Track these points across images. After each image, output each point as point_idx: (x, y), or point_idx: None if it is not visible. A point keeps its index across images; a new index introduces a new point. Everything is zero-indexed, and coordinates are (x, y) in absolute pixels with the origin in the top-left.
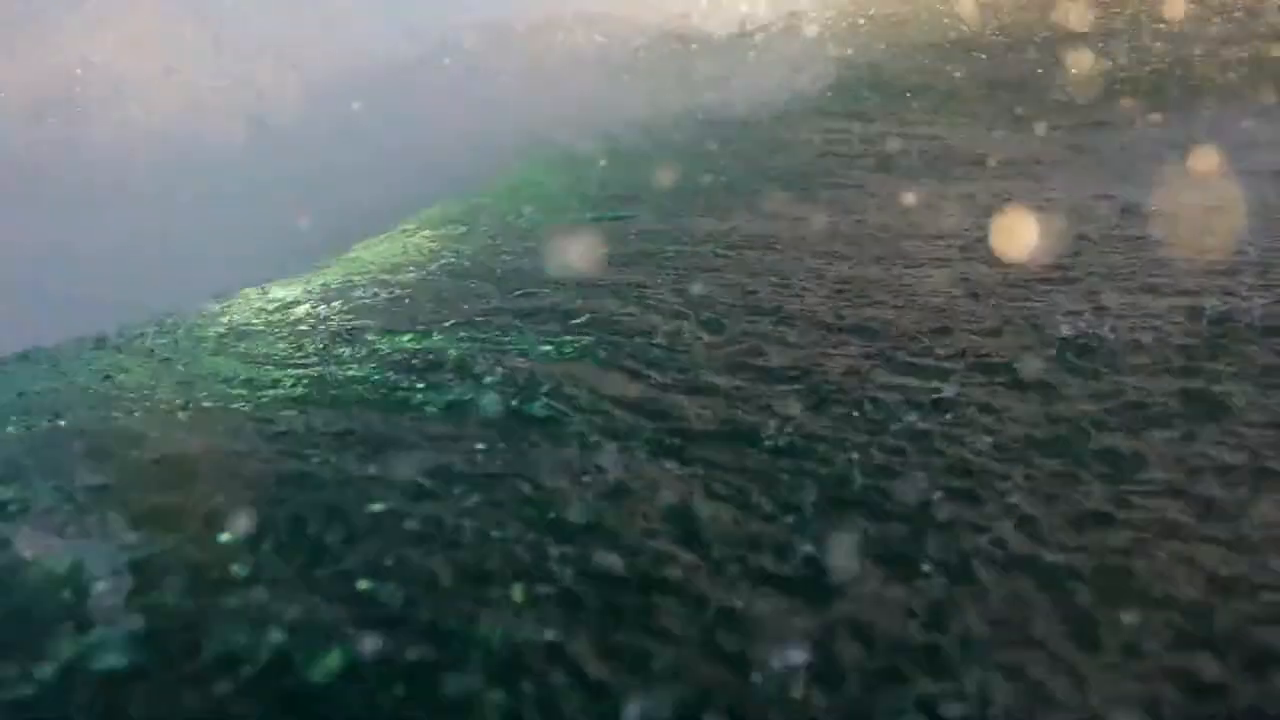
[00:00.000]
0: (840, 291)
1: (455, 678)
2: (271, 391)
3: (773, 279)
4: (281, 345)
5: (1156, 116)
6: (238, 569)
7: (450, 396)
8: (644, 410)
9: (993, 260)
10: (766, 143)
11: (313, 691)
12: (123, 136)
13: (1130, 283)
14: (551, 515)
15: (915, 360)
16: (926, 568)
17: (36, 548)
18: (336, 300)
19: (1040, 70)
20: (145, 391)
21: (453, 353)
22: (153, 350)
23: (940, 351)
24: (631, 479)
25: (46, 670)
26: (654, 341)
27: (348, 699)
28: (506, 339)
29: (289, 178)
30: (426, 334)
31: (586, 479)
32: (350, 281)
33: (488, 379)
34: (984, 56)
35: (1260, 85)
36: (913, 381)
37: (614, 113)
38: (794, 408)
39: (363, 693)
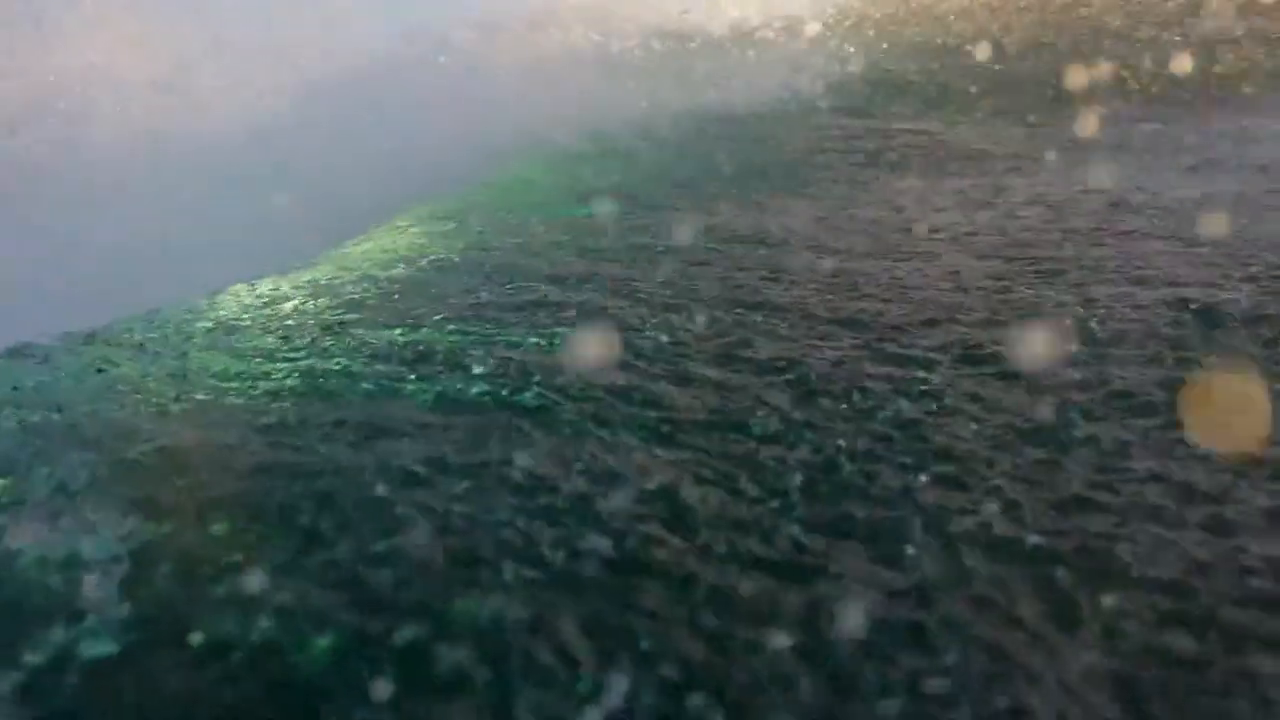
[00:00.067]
0: (830, 284)
1: (444, 659)
2: (262, 384)
3: (763, 272)
4: (271, 339)
5: (1148, 113)
6: (228, 557)
7: (440, 387)
8: (634, 399)
9: (982, 253)
10: (761, 139)
11: (303, 675)
12: (114, 134)
13: (1118, 275)
14: (541, 500)
15: (903, 351)
16: (911, 550)
17: (29, 538)
18: (326, 296)
19: (1036, 69)
20: (136, 384)
21: (442, 345)
22: (143, 344)
23: (928, 343)
24: (621, 465)
25: (38, 657)
26: (644, 333)
27: (337, 682)
28: (497, 331)
29: (281, 176)
30: (416, 327)
31: (576, 465)
32: (340, 277)
33: (478, 370)
34: (982, 55)
35: (1251, 83)
36: (900, 372)
37: (609, 110)
38: (782, 397)
39: (352, 676)
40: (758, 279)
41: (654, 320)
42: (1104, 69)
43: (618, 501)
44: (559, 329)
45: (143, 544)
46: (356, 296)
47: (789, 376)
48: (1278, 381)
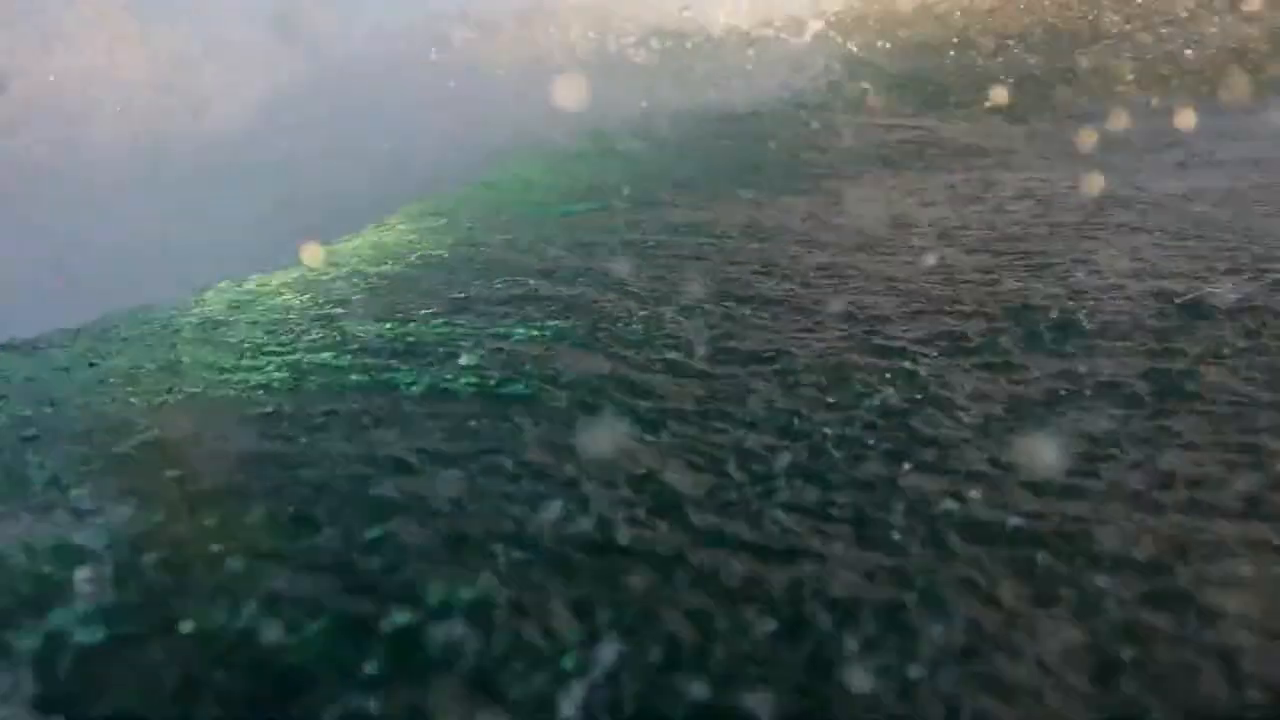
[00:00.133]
0: (819, 278)
1: (434, 640)
2: (252, 377)
3: (753, 267)
4: (260, 334)
5: (1137, 108)
6: (219, 545)
7: (429, 378)
8: (622, 388)
9: (970, 247)
10: (757, 136)
11: (294, 659)
12: (112, 134)
13: (1105, 268)
14: (530, 486)
15: (890, 343)
16: (894, 534)
17: (20, 528)
18: (314, 291)
19: (1033, 67)
20: (126, 378)
21: (431, 338)
22: (132, 339)
23: (915, 334)
24: (609, 451)
25: (29, 642)
26: (633, 326)
27: (329, 665)
28: (486, 325)
29: (273, 175)
30: (405, 321)
31: (565, 452)
32: (328, 273)
33: (467, 362)
34: (976, 53)
35: (1243, 81)
36: (887, 363)
37: (604, 108)
38: (769, 386)
39: (343, 659)
40: (749, 273)
41: (644, 313)
42: (1095, 66)
43: (606, 487)
44: (549, 322)
45: (134, 533)
46: (346, 292)
47: (776, 367)
48: (1259, 371)
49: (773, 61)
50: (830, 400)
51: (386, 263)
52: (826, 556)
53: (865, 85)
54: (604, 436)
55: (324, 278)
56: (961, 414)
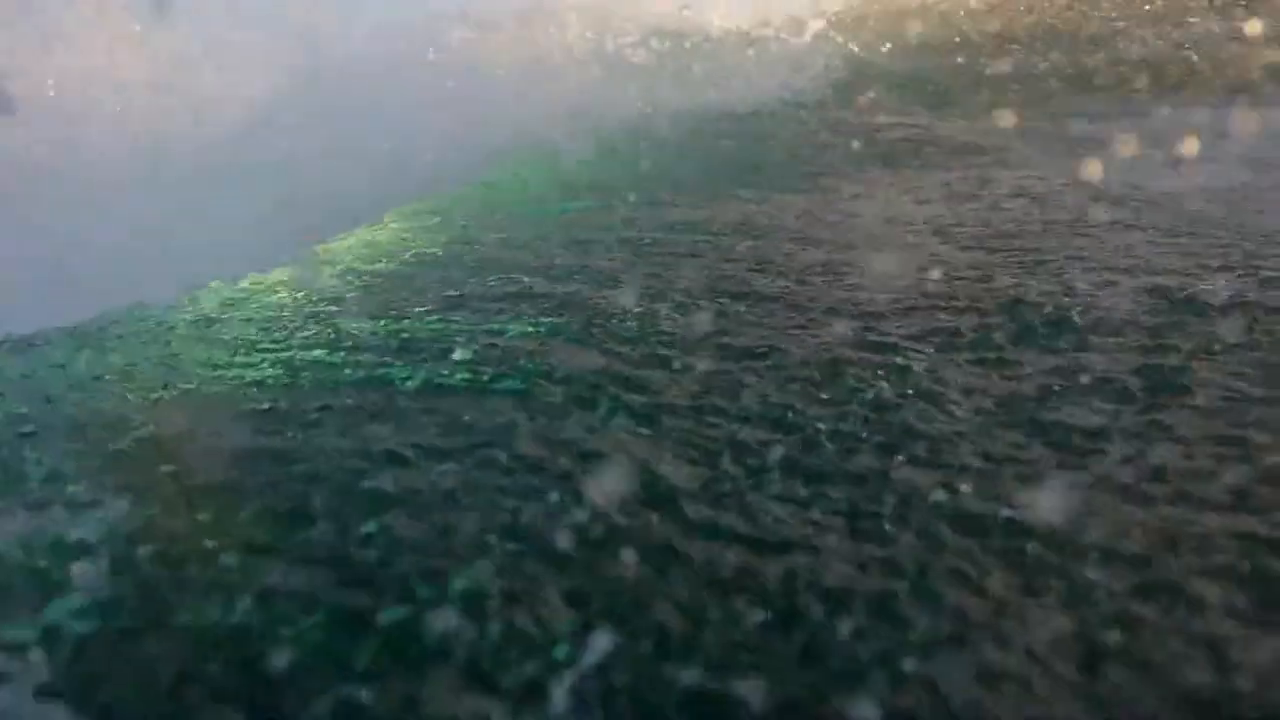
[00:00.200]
0: (815, 275)
1: (426, 631)
2: (246, 374)
3: (750, 264)
4: (254, 331)
5: (1132, 107)
6: (214, 539)
7: (424, 374)
8: (616, 383)
9: (965, 244)
10: (756, 135)
11: (290, 651)
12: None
13: (1099, 265)
14: (523, 479)
15: (883, 338)
16: (886, 526)
17: (17, 523)
18: (309, 289)
19: (1031, 66)
20: (122, 375)
21: (426, 334)
22: (128, 336)
23: (908, 330)
24: (603, 445)
25: (26, 633)
26: (627, 322)
27: (321, 658)
28: (481, 321)
29: (273, 175)
30: (399, 318)
31: (559, 445)
32: (323, 272)
33: (461, 357)
34: (974, 52)
35: (1236, 79)
36: (880, 358)
37: (604, 108)
38: (763, 381)
39: (335, 651)
40: (744, 270)
41: (638, 309)
42: (1091, 65)
43: (600, 480)
44: (543, 318)
45: (131, 528)
46: (340, 290)
47: (770, 362)
48: (1250, 367)
49: (772, 61)
50: (824, 395)
51: (381, 260)
52: (819, 548)
53: (864, 85)
54: (598, 431)
55: (319, 276)
56: (954, 408)
